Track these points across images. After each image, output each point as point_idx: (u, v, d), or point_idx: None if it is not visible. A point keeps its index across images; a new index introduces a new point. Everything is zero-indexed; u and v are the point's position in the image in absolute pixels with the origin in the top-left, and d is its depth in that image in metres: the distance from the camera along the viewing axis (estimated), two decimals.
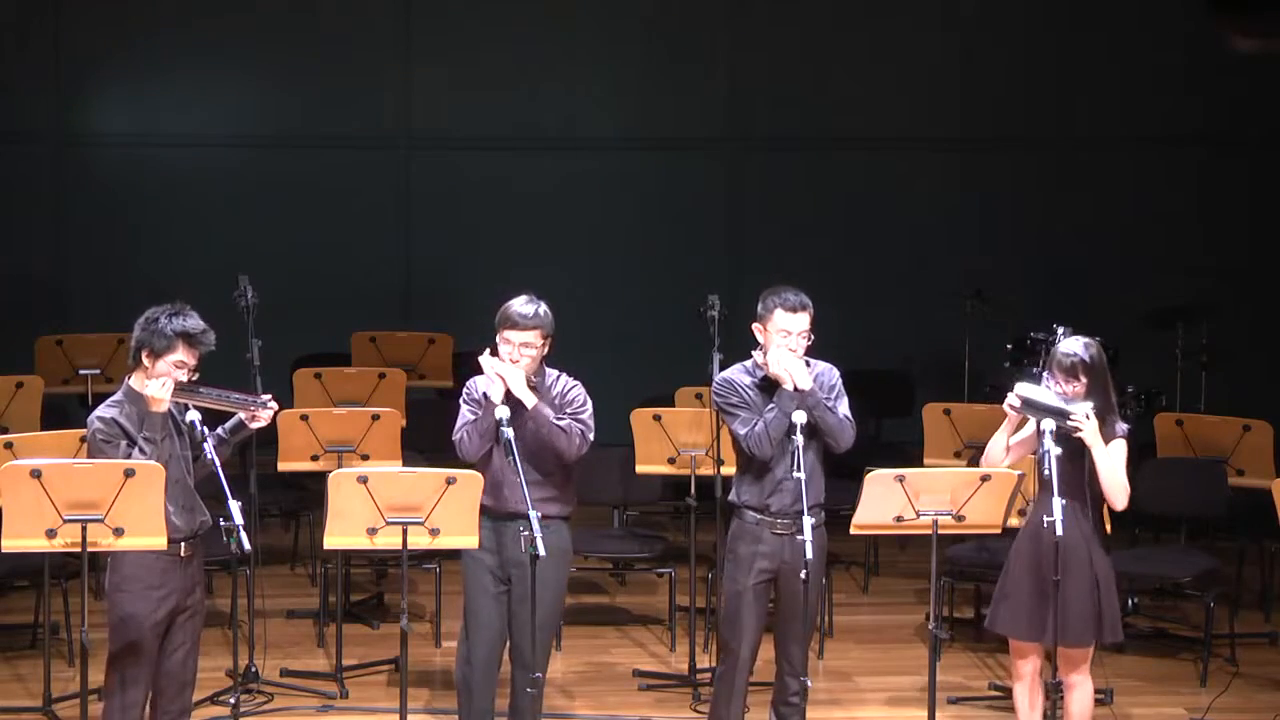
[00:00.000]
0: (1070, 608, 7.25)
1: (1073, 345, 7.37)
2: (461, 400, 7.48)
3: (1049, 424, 7.17)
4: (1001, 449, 7.42)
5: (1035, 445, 7.41)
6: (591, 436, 7.47)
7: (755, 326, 7.51)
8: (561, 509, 7.46)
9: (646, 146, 14.03)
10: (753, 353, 7.54)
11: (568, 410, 7.43)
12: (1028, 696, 7.56)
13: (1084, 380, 7.28)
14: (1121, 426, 7.36)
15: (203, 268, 12.36)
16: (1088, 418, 7.16)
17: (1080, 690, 7.41)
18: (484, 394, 7.35)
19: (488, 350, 7.41)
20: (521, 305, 7.39)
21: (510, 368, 7.34)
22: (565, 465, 7.45)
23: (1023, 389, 7.27)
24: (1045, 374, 7.41)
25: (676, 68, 14.04)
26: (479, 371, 7.41)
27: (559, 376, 7.52)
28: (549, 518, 7.24)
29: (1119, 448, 7.30)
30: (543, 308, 7.41)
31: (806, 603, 7.37)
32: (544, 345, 7.40)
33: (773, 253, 13.69)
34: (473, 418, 7.36)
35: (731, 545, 7.59)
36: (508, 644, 7.48)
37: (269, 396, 7.11)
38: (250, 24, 13.74)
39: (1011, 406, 7.28)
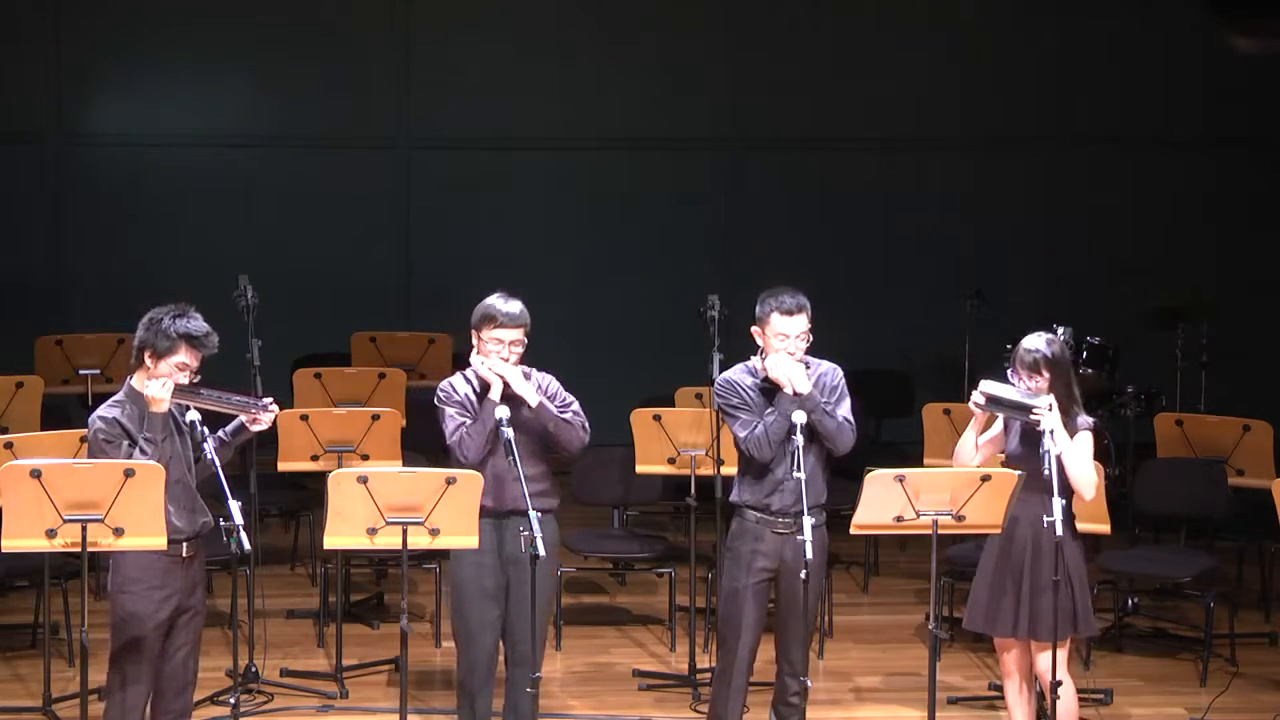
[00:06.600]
0: (1039, 603, 7.29)
1: (1035, 341, 7.41)
2: (440, 404, 7.41)
3: (1049, 423, 7.18)
4: (970, 448, 7.46)
5: (1004, 444, 7.50)
6: (588, 424, 7.48)
7: (754, 330, 7.49)
8: (552, 502, 7.46)
9: (646, 146, 14.03)
10: (753, 358, 7.53)
11: (556, 403, 7.42)
12: (1015, 694, 7.60)
13: (1046, 375, 7.33)
14: (1085, 419, 7.40)
15: (203, 268, 12.35)
16: (1050, 409, 7.20)
17: (1062, 688, 7.39)
18: (470, 396, 7.34)
19: (474, 352, 7.40)
20: (505, 304, 7.35)
21: (510, 368, 7.32)
22: (555, 459, 7.44)
23: (986, 386, 7.31)
24: (1009, 370, 7.43)
25: (676, 68, 14.04)
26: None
27: (530, 369, 7.51)
28: (544, 512, 7.23)
29: (1083, 440, 7.34)
30: (521, 304, 7.40)
31: (806, 603, 7.36)
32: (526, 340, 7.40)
33: (772, 253, 13.67)
34: (463, 420, 7.35)
35: (731, 544, 7.58)
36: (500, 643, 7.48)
37: (270, 400, 7.10)
38: (250, 24, 13.75)
39: (976, 404, 7.32)
